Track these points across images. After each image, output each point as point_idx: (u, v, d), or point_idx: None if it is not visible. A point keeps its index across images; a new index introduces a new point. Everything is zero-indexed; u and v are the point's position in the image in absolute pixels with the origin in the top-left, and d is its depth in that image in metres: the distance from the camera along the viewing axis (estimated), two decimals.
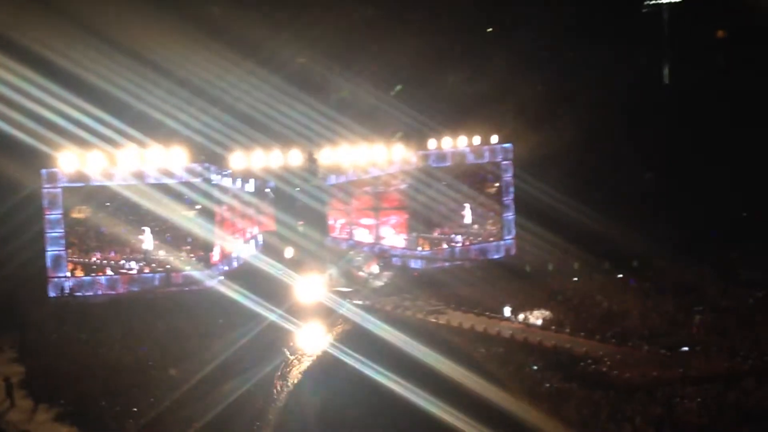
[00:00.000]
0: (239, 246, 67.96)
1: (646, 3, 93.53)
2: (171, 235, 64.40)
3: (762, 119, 78.85)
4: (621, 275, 64.71)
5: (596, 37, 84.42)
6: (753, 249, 69.07)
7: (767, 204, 76.92)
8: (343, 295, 58.14)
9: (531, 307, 57.35)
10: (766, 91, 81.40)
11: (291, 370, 35.63)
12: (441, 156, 72.55)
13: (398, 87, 76.26)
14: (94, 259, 63.22)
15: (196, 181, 63.43)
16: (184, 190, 63.17)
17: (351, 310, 50.88)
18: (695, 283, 61.43)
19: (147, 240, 63.74)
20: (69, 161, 61.99)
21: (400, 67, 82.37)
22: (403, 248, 72.20)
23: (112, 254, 63.55)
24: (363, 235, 74.34)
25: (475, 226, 74.59)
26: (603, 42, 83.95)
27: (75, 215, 63.36)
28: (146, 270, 63.20)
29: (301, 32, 76.13)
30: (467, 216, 74.25)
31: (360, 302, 58.31)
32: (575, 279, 64.25)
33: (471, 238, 74.10)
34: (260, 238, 70.79)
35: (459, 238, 73.15)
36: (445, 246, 72.85)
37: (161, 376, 44.06)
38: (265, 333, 45.78)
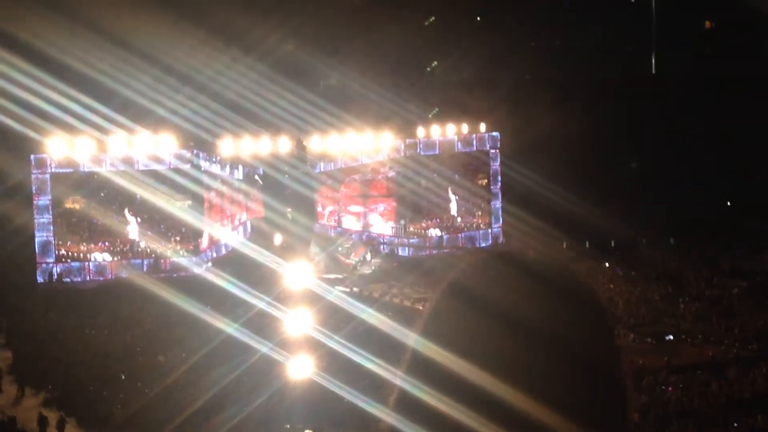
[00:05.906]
0: (228, 233, 67.95)
1: None
2: (159, 221, 64.49)
3: (748, 108, 79.18)
4: (607, 263, 65.01)
5: (584, 25, 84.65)
6: (738, 238, 69.51)
7: (752, 193, 77.37)
8: (331, 282, 58.28)
9: None
10: (754, 80, 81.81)
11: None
12: (429, 144, 72.69)
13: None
14: (83, 246, 63.43)
15: (185, 167, 63.41)
16: (173, 176, 63.17)
17: (339, 297, 51.14)
18: (680, 272, 61.84)
19: (133, 227, 63.79)
20: (58, 147, 61.87)
21: (388, 54, 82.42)
22: (391, 236, 72.39)
23: (99, 244, 63.75)
24: (351, 223, 74.43)
25: (459, 219, 74.97)
26: (591, 30, 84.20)
27: (69, 206, 63.45)
28: (134, 256, 63.24)
29: (289, 18, 76.04)
30: (453, 205, 74.68)
31: (347, 289, 58.50)
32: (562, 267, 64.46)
33: (458, 226, 74.42)
34: (249, 224, 70.77)
35: (438, 232, 73.25)
36: (431, 234, 73.07)
37: (149, 363, 44.15)
38: (253, 319, 45.94)
